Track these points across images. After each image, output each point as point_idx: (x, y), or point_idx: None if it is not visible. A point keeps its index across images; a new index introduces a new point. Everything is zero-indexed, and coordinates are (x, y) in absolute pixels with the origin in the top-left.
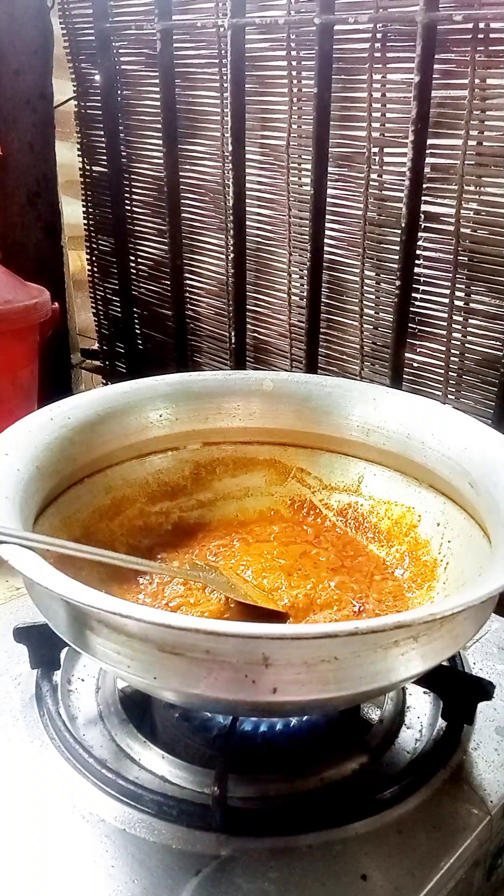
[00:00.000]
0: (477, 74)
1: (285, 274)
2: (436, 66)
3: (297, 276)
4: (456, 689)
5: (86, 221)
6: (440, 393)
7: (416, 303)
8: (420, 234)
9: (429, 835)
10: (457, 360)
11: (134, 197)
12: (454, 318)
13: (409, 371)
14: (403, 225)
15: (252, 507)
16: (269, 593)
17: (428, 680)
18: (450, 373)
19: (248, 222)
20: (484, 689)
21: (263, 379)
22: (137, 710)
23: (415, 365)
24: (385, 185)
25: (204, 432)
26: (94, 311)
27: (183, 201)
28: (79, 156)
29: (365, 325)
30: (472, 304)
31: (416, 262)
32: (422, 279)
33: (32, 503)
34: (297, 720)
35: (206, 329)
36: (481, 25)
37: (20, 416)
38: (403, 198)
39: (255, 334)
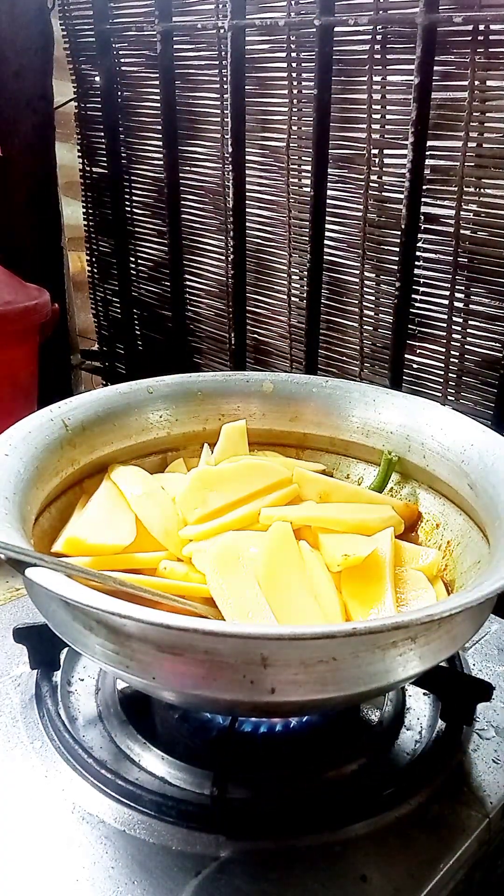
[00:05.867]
0: (477, 76)
1: (285, 275)
2: (436, 68)
3: (297, 278)
4: (455, 690)
5: (86, 222)
6: (440, 394)
7: (416, 304)
8: (420, 235)
9: (428, 836)
10: (457, 361)
11: (134, 198)
12: (454, 319)
13: (409, 372)
14: (403, 226)
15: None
16: None
17: (427, 681)
18: (450, 374)
19: (248, 223)
20: (483, 690)
21: (263, 380)
22: (137, 711)
23: (415, 366)
24: (385, 187)
25: (204, 433)
26: (94, 312)
27: (183, 202)
28: (79, 157)
29: (365, 327)
30: (472, 306)
31: (416, 263)
32: (422, 280)
33: (33, 504)
34: (296, 721)
35: (205, 330)
36: (481, 27)
37: (20, 417)
38: (403, 199)
39: (255, 335)
